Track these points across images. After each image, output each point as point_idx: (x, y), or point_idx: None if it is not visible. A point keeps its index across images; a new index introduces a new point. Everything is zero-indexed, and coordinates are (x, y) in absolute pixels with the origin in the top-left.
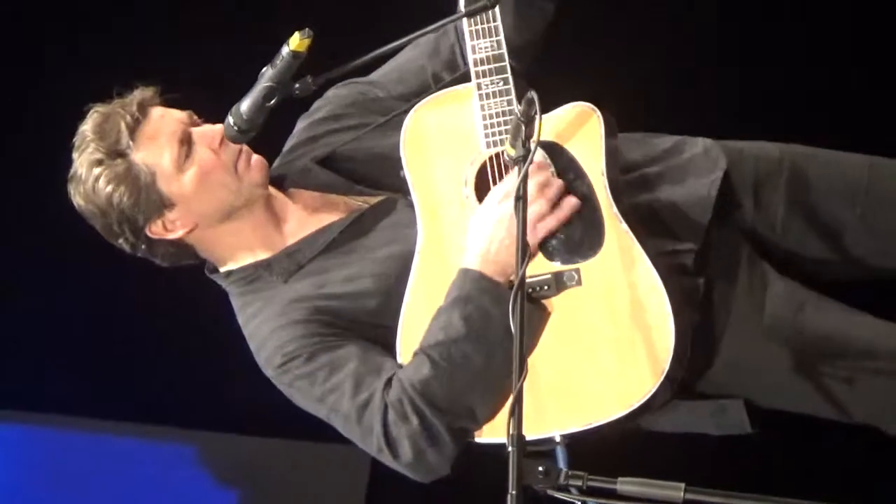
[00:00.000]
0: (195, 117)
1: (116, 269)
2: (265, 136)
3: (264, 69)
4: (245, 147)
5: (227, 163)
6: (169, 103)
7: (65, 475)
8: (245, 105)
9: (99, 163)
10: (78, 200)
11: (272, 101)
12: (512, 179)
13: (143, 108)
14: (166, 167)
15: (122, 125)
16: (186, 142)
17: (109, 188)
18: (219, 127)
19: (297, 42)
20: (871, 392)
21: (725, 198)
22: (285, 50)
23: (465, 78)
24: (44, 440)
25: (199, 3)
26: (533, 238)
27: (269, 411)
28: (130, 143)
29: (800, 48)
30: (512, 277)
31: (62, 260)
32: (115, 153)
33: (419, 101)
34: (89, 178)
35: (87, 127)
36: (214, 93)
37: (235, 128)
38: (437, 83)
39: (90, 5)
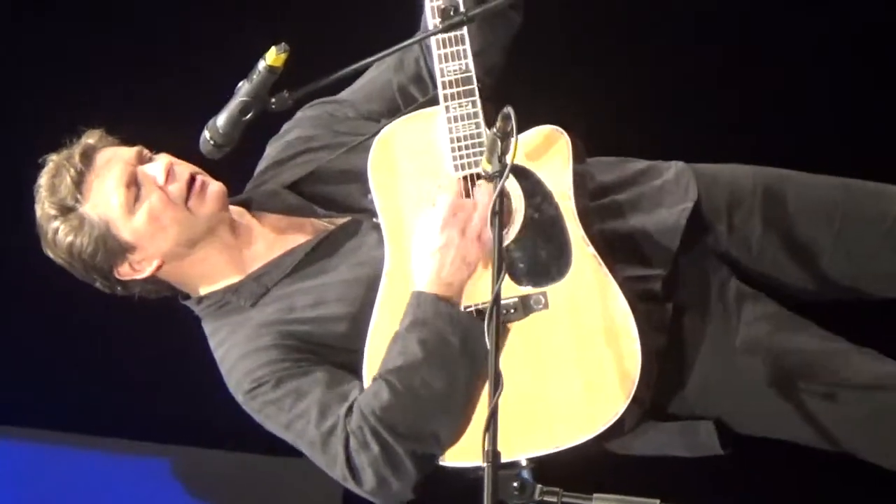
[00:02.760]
0: (145, 152)
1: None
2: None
3: (240, 83)
4: (199, 176)
5: (176, 198)
6: (119, 141)
7: (37, 489)
8: (221, 119)
9: (54, 218)
10: (46, 250)
11: (248, 116)
12: (440, 210)
13: (87, 156)
14: (117, 214)
15: (68, 179)
16: (133, 184)
17: (69, 240)
18: (164, 162)
19: (273, 57)
20: (842, 417)
21: (697, 224)
22: (261, 64)
23: (435, 100)
24: (16, 454)
25: (173, 18)
26: (482, 250)
27: (245, 426)
28: (78, 196)
29: (776, 70)
30: (470, 304)
31: (34, 274)
32: (66, 209)
33: (388, 121)
34: (49, 231)
35: (41, 181)
36: (190, 107)
37: (212, 142)
38: (404, 96)
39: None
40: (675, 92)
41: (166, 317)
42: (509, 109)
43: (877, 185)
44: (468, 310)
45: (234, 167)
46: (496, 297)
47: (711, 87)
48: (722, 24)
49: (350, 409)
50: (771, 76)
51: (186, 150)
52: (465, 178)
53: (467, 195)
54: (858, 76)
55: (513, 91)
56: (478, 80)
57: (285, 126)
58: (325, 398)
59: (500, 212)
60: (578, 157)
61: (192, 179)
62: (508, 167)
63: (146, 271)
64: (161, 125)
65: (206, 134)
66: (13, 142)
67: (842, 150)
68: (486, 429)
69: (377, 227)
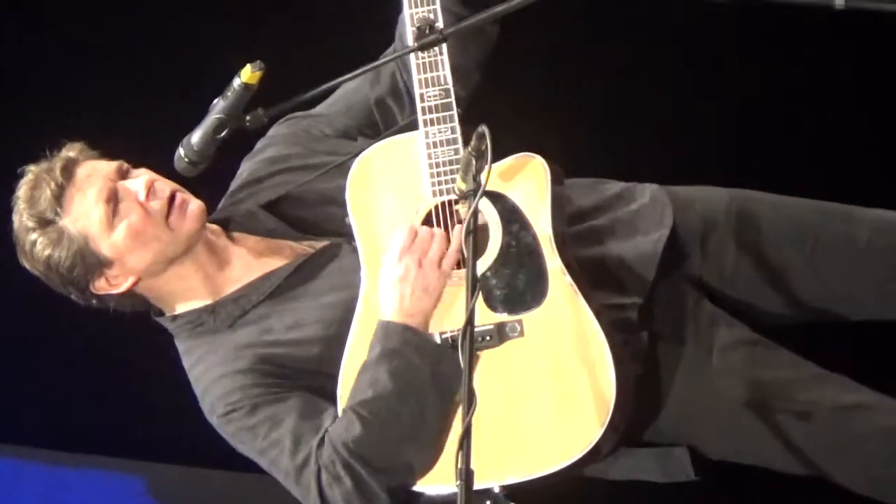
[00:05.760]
0: (125, 167)
1: (75, 302)
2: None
3: (215, 101)
4: (179, 194)
5: (156, 215)
6: (100, 154)
7: None
8: (196, 137)
9: (32, 230)
10: (23, 261)
11: (223, 134)
12: (397, 239)
13: (68, 170)
14: (96, 229)
15: (48, 192)
16: (113, 199)
17: (46, 253)
18: (145, 178)
19: (248, 74)
20: (813, 444)
21: (672, 251)
22: (237, 82)
23: (414, 124)
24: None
25: (148, 35)
26: (443, 278)
27: (223, 444)
28: (58, 209)
29: (751, 93)
30: (445, 330)
31: (17, 289)
32: (45, 221)
33: (366, 143)
34: (27, 243)
35: (20, 193)
36: (165, 124)
37: (186, 160)
38: (381, 109)
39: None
40: (650, 113)
41: (148, 333)
42: (484, 128)
43: (848, 207)
44: (443, 336)
45: (210, 184)
46: (470, 317)
47: (685, 108)
48: (697, 45)
49: (322, 440)
50: (743, 97)
51: (161, 167)
52: (441, 203)
53: (445, 221)
54: (830, 98)
55: (489, 113)
56: (455, 95)
57: (259, 143)
58: (298, 428)
59: (475, 231)
60: (556, 184)
61: (173, 197)
62: (483, 185)
63: (122, 287)
64: (136, 142)
65: (181, 151)
66: None
67: (814, 173)
68: (460, 448)
69: (356, 251)
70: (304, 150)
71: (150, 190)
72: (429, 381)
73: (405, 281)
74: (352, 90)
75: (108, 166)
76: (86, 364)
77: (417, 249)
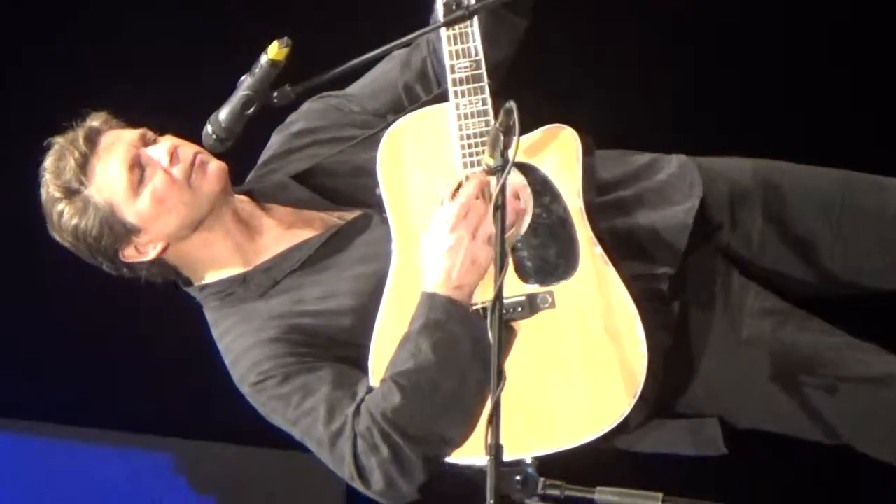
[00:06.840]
0: (149, 134)
1: (97, 276)
2: (240, 146)
3: (243, 77)
4: (200, 155)
5: (180, 179)
6: (124, 123)
7: (41, 482)
8: (223, 113)
9: (59, 200)
10: (52, 233)
11: (250, 110)
12: (452, 210)
13: (91, 139)
14: (121, 196)
15: (72, 162)
16: (137, 166)
17: (73, 223)
18: (167, 144)
19: (275, 51)
20: (843, 411)
21: (702, 220)
22: (263, 59)
23: (444, 97)
24: (21, 447)
25: (179, 10)
26: (492, 254)
27: (249, 420)
28: (82, 178)
29: (775, 64)
30: (476, 301)
31: (41, 265)
32: (71, 191)
33: (396, 117)
34: (54, 213)
35: (46, 164)
36: (193, 101)
37: (214, 136)
38: (409, 95)
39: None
40: (676, 84)
41: (168, 309)
42: (512, 104)
43: (877, 177)
44: (475, 307)
45: (240, 156)
46: (498, 292)
47: (711, 78)
48: (723, 14)
49: (358, 409)
50: (771, 67)
51: (188, 140)
52: (472, 175)
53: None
54: (858, 67)
55: (515, 84)
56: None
57: (291, 117)
58: (332, 397)
59: (503, 206)
60: (587, 155)
61: (194, 159)
62: (511, 162)
63: (151, 254)
64: (164, 119)
65: (209, 128)
66: (20, 129)
67: (842, 143)
68: (489, 422)
69: (387, 222)
70: (335, 125)
71: (174, 155)
72: (470, 354)
73: (455, 252)
74: (382, 74)
75: (131, 134)
76: (110, 339)
77: (472, 221)
